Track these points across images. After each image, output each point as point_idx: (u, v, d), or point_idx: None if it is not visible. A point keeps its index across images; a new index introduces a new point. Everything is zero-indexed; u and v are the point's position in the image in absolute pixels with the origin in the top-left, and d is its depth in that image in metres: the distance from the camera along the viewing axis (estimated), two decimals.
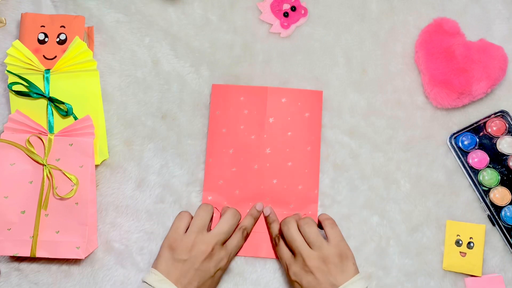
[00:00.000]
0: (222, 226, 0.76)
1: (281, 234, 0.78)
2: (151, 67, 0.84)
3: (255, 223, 0.80)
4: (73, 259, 0.79)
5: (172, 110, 0.83)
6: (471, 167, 0.81)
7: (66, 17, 0.80)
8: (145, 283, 0.72)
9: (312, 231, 0.74)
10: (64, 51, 0.78)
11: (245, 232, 0.78)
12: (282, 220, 0.77)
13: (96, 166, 0.80)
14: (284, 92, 0.81)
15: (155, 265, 0.74)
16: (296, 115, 0.81)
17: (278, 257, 0.78)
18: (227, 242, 0.76)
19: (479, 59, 0.80)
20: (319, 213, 0.81)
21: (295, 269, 0.74)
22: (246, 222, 0.79)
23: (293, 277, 0.74)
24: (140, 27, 0.84)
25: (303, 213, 0.80)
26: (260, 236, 0.80)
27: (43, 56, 0.79)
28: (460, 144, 0.82)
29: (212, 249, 0.74)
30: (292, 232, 0.75)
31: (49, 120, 0.78)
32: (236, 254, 0.78)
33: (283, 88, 0.82)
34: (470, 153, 0.82)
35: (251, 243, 0.80)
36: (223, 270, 0.76)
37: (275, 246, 0.78)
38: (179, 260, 0.73)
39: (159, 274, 0.72)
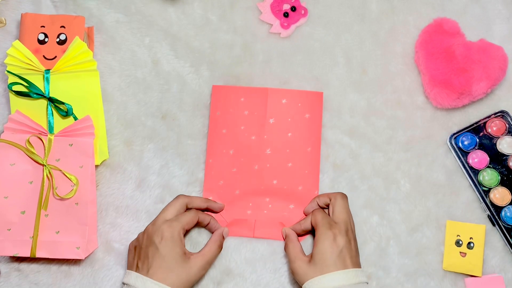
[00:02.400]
0: (165, 207, 0.77)
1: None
2: (151, 67, 0.84)
3: (211, 223, 0.79)
4: (73, 259, 0.79)
5: (172, 110, 0.83)
6: (471, 167, 0.81)
7: (66, 17, 0.80)
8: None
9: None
10: (64, 51, 0.78)
11: (194, 210, 0.77)
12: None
13: (96, 166, 0.80)
14: (284, 93, 0.81)
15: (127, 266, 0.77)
16: (296, 116, 0.81)
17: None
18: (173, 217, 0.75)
19: (479, 59, 0.80)
20: None
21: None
22: (195, 200, 0.79)
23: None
24: (140, 27, 0.84)
25: (303, 214, 0.81)
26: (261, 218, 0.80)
27: (43, 56, 0.79)
28: (460, 144, 0.82)
29: (152, 225, 0.74)
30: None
31: (49, 120, 0.78)
32: (187, 227, 0.75)
33: (284, 89, 0.82)
34: (470, 153, 0.82)
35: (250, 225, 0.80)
36: (169, 239, 0.72)
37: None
38: (132, 249, 0.76)
39: (126, 271, 0.75)
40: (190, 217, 0.76)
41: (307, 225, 0.78)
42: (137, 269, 0.73)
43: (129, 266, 0.75)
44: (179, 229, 0.74)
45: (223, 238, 0.78)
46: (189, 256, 0.74)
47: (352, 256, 0.73)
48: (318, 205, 0.79)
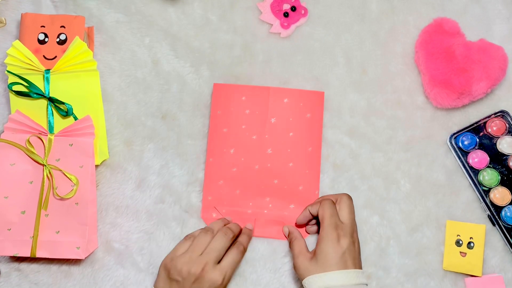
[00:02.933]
0: (213, 244, 0.74)
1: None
2: (151, 67, 0.84)
3: (250, 240, 0.79)
4: (73, 259, 0.79)
5: (172, 110, 0.83)
6: (471, 167, 0.81)
7: (66, 17, 0.80)
8: None
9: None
10: (64, 51, 0.78)
11: (241, 247, 0.76)
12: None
13: (96, 166, 0.80)
14: (286, 93, 0.81)
15: (155, 283, 0.75)
16: (297, 116, 0.81)
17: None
18: (222, 260, 0.74)
19: (479, 59, 0.80)
20: None
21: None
22: (242, 238, 0.78)
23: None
24: (140, 27, 0.84)
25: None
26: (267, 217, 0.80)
27: (43, 56, 0.79)
28: (460, 144, 0.82)
29: (203, 270, 0.72)
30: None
31: (49, 120, 0.78)
32: (234, 270, 0.75)
33: (285, 88, 0.82)
34: (470, 153, 0.82)
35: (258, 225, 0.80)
36: None
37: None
38: (172, 280, 0.73)
39: None
40: (239, 260, 0.76)
41: (314, 211, 0.77)
42: None
43: None
44: (230, 277, 0.74)
45: (247, 243, 0.78)
46: None
47: (355, 258, 0.73)
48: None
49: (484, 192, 0.81)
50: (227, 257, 0.74)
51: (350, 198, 0.77)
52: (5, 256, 0.79)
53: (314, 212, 0.77)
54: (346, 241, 0.72)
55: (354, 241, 0.74)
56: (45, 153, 0.77)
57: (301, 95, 0.81)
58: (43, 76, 0.78)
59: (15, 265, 0.79)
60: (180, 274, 0.72)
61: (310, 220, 0.79)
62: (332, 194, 0.79)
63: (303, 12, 0.85)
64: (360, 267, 0.73)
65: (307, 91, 0.82)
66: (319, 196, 0.81)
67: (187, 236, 0.77)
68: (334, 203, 0.76)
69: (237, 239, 0.77)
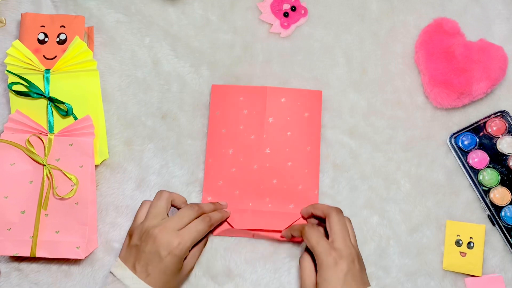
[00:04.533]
0: (178, 213, 0.73)
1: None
2: (151, 67, 0.84)
3: (221, 219, 0.77)
4: (73, 259, 0.79)
5: (172, 110, 0.83)
6: (471, 167, 0.81)
7: (66, 17, 0.80)
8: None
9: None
10: (64, 51, 0.78)
11: (207, 218, 0.74)
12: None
13: (96, 166, 0.80)
14: (283, 92, 0.81)
15: (120, 254, 0.74)
16: (295, 115, 0.81)
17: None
18: (184, 227, 0.72)
19: (479, 59, 0.80)
20: None
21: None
22: (212, 213, 0.76)
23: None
24: (140, 27, 0.84)
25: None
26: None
27: (43, 56, 0.79)
28: (460, 144, 0.82)
29: (160, 232, 0.71)
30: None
31: (49, 120, 0.78)
32: (194, 239, 0.72)
33: (283, 88, 0.82)
34: (470, 153, 0.82)
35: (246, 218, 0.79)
36: (177, 256, 0.71)
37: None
38: (133, 246, 0.72)
39: (118, 261, 0.73)
40: (203, 232, 0.73)
41: (297, 234, 0.75)
42: (133, 269, 0.71)
43: (124, 258, 0.72)
44: (189, 245, 0.72)
45: (212, 226, 0.76)
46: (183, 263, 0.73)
47: (358, 278, 0.69)
48: (313, 215, 0.77)
49: (484, 192, 0.81)
50: (190, 225, 0.73)
51: (339, 212, 0.73)
52: (5, 256, 0.79)
53: (318, 214, 0.76)
54: (344, 263, 0.69)
55: (353, 258, 0.70)
56: (45, 153, 0.77)
57: (298, 94, 0.81)
58: (43, 76, 0.78)
59: (15, 265, 0.79)
60: (139, 238, 0.72)
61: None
62: (321, 205, 0.76)
63: (303, 12, 0.85)
64: (367, 283, 0.71)
65: (305, 90, 0.82)
66: (318, 195, 0.80)
67: (142, 202, 0.76)
68: (315, 226, 0.73)
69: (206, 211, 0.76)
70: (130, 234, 0.74)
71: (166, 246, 0.70)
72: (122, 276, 0.71)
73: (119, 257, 0.73)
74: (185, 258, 0.73)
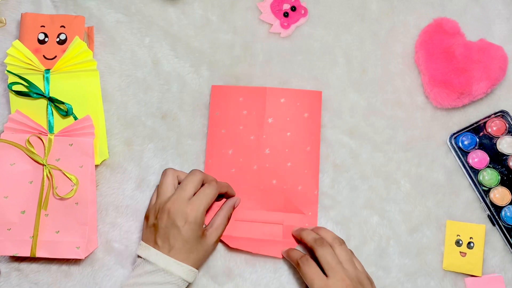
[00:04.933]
0: (182, 183, 0.75)
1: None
2: (151, 67, 0.84)
3: (227, 187, 0.79)
4: (73, 259, 0.79)
5: (172, 110, 0.83)
6: (471, 167, 0.81)
7: (66, 17, 0.80)
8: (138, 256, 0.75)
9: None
10: (64, 51, 0.78)
11: (214, 182, 0.76)
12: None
13: (96, 166, 0.80)
14: (283, 92, 0.81)
15: (142, 237, 0.76)
16: (295, 115, 0.81)
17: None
18: (194, 196, 0.75)
19: (479, 59, 0.80)
20: (319, 214, 0.81)
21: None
22: (221, 183, 0.78)
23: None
24: (140, 27, 0.84)
25: (303, 214, 0.80)
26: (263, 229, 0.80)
27: (43, 56, 0.79)
28: (460, 144, 0.82)
29: (172, 205, 0.73)
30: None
31: (49, 120, 0.78)
32: (207, 205, 0.74)
33: (282, 88, 0.82)
34: (470, 153, 0.82)
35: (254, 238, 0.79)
36: (193, 223, 0.72)
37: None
38: (150, 226, 0.75)
39: (142, 243, 0.75)
40: (213, 195, 0.75)
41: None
42: (156, 246, 0.73)
43: (146, 240, 0.75)
44: (203, 210, 0.73)
45: (233, 208, 0.79)
46: (205, 232, 0.75)
47: None
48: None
49: (484, 192, 0.81)
50: (198, 192, 0.75)
51: (322, 246, 0.74)
52: (5, 256, 0.79)
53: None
54: None
55: (352, 280, 0.71)
56: (45, 153, 0.77)
57: (298, 94, 0.81)
58: (43, 76, 0.78)
59: (15, 265, 0.79)
60: (155, 217, 0.74)
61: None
62: (306, 234, 0.76)
63: (303, 12, 0.85)
64: None
65: (304, 90, 0.82)
66: (318, 196, 0.80)
67: (157, 187, 0.78)
68: (310, 261, 0.74)
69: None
70: (146, 217, 0.76)
71: (180, 216, 0.72)
72: (147, 255, 0.73)
73: (141, 239, 0.75)
74: (206, 228, 0.75)
